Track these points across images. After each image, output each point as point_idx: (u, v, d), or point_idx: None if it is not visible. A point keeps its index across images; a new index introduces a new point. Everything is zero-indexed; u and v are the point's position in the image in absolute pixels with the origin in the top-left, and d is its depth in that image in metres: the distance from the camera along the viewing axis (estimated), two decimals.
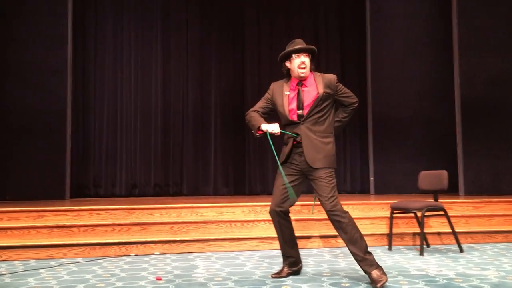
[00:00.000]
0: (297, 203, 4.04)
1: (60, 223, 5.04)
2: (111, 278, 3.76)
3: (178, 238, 4.99)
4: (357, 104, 3.73)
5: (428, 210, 4.81)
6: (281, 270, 3.79)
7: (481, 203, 6.00)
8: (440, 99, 8.07)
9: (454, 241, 4.99)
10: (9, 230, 4.87)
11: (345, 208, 3.56)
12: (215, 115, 8.39)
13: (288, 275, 3.76)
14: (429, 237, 5.26)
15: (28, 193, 6.88)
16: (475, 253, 4.79)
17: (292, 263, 3.79)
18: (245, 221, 5.33)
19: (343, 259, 4.49)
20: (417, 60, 8.15)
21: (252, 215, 5.51)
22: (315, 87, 3.59)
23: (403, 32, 8.19)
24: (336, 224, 3.48)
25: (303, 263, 3.95)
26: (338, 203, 3.48)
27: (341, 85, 3.68)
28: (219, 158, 8.33)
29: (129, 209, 5.38)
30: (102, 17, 8.14)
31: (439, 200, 5.08)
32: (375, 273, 3.38)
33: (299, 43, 3.66)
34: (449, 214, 5.01)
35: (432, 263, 4.29)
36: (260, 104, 3.76)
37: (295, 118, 3.58)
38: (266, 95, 3.77)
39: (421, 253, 4.70)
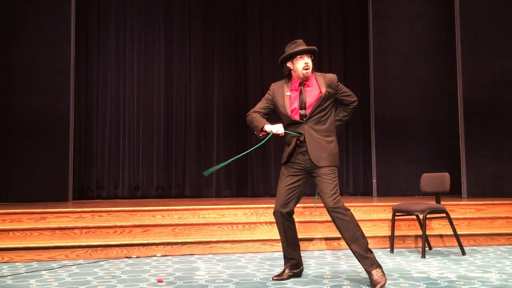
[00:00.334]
0: (299, 205, 4.04)
1: (62, 225, 5.05)
2: (113, 280, 3.76)
3: (179, 240, 5.00)
4: (356, 103, 3.79)
5: (430, 213, 4.80)
6: (282, 272, 3.79)
7: (483, 205, 5.96)
8: (443, 101, 8.05)
9: (456, 243, 4.97)
10: (11, 232, 4.88)
11: None
12: (218, 117, 8.39)
13: (289, 277, 3.76)
14: (431, 239, 5.25)
15: (31, 194, 6.90)
16: (477, 256, 4.77)
17: (294, 265, 3.79)
18: (247, 223, 5.33)
19: (345, 262, 4.48)
20: (420, 62, 8.14)
21: (254, 217, 5.51)
22: (317, 87, 3.62)
23: (406, 34, 8.18)
24: (337, 221, 3.48)
25: (304, 265, 3.95)
26: (340, 200, 3.49)
27: (341, 84, 3.73)
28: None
29: (131, 211, 5.38)
30: (105, 19, 8.15)
31: (442, 203, 5.08)
32: (375, 273, 3.39)
33: (300, 44, 3.67)
34: (452, 216, 5.00)
35: (434, 266, 4.27)
36: (261, 105, 3.77)
37: (297, 117, 3.59)
38: (267, 95, 3.79)
39: (423, 256, 4.68)
